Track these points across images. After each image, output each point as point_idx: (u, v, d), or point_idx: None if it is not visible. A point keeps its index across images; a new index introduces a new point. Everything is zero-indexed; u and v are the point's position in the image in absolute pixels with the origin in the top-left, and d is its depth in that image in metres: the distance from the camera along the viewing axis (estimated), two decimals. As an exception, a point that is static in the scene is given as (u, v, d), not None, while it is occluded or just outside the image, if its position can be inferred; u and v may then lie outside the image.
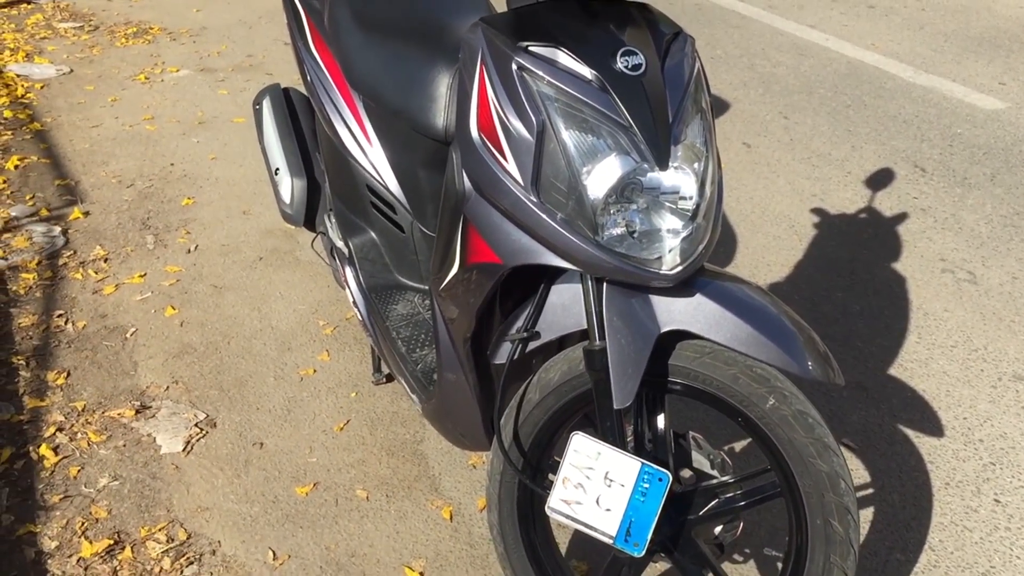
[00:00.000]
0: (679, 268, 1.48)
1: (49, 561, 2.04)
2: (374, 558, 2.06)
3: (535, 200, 1.48)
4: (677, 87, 1.49)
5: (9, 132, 4.12)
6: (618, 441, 1.59)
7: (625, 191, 1.46)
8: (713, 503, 1.64)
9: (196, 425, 2.43)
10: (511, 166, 1.49)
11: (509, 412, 1.74)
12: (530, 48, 1.47)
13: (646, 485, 1.55)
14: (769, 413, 1.52)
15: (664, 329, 1.53)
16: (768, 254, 3.25)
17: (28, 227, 3.31)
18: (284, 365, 2.67)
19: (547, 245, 1.51)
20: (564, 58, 1.46)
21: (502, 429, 1.72)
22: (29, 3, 5.94)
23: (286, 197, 2.50)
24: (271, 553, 2.07)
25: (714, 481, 1.65)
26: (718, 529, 1.67)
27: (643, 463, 1.54)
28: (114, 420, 2.44)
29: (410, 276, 2.24)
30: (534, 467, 1.75)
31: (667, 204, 1.48)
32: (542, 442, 1.74)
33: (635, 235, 1.48)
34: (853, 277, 3.11)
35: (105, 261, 3.15)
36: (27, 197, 3.55)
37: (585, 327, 1.59)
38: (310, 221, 2.53)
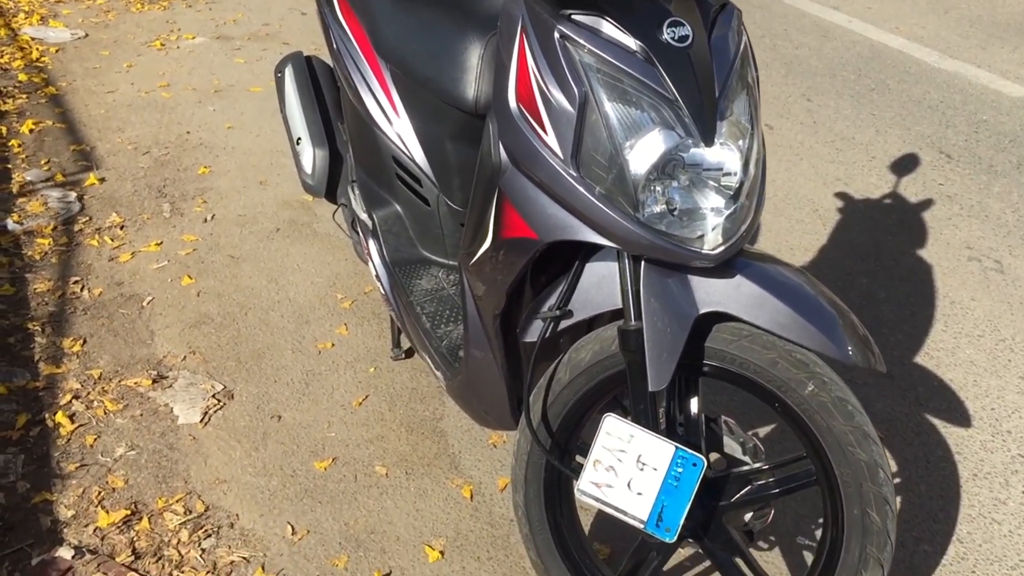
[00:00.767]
0: (721, 248, 1.44)
1: (65, 530, 2.02)
2: (393, 535, 2.03)
3: (574, 174, 1.44)
4: (724, 61, 1.45)
5: (24, 96, 4.07)
6: (651, 424, 1.55)
7: (667, 167, 1.42)
8: (746, 490, 1.61)
9: (214, 396, 2.40)
10: (550, 138, 1.45)
11: (537, 392, 1.70)
12: (573, 16, 1.42)
13: (679, 470, 1.51)
14: (808, 399, 1.48)
15: (703, 311, 1.50)
16: (792, 237, 3.21)
17: (44, 192, 3.27)
18: (302, 338, 2.63)
19: (585, 221, 1.46)
20: (608, 27, 1.41)
21: (531, 408, 1.69)
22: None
23: (307, 167, 2.45)
24: (290, 527, 2.04)
25: (748, 467, 1.61)
26: (748, 516, 1.64)
27: (677, 447, 1.51)
28: (131, 389, 2.41)
29: (435, 251, 2.20)
30: (562, 448, 1.72)
31: (710, 181, 1.44)
32: (571, 423, 1.71)
33: (675, 212, 1.43)
34: (878, 263, 3.07)
35: (121, 228, 3.12)
36: (42, 162, 3.51)
37: (619, 306, 1.56)
38: (331, 192, 2.48)
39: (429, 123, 2.08)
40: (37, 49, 4.58)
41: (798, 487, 1.59)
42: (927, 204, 3.45)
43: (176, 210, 3.24)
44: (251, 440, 2.27)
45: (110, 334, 2.62)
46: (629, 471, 1.53)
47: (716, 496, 1.62)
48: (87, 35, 4.81)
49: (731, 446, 1.67)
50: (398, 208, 2.23)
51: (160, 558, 1.96)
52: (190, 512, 2.07)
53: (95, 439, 2.26)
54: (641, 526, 1.52)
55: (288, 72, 2.59)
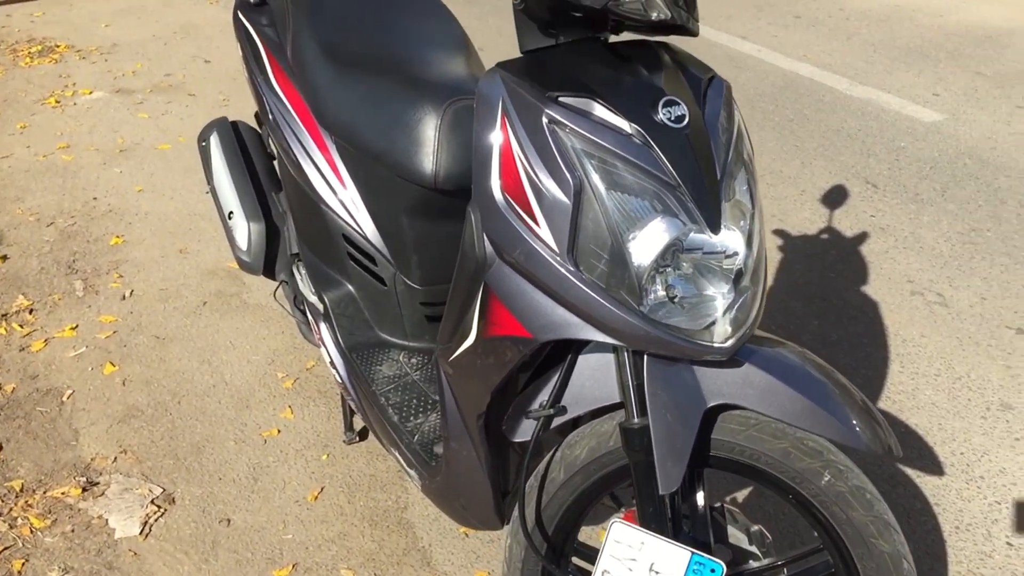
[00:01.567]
0: (731, 340, 1.34)
1: (-4, 677, 1.79)
2: (369, 648, 1.88)
3: (572, 269, 1.32)
4: (722, 140, 1.36)
5: (-93, 166, 3.77)
6: (662, 528, 1.44)
7: (666, 253, 1.32)
8: (762, 587, 1.51)
9: (152, 502, 2.19)
10: (543, 231, 1.33)
11: (529, 492, 1.58)
12: (560, 99, 1.32)
13: (697, 576, 1.41)
14: (825, 490, 1.40)
15: (711, 404, 1.40)
16: (738, 281, 3.16)
17: (-62, 276, 3.01)
18: (244, 426, 2.44)
19: (585, 318, 1.35)
20: (600, 110, 1.30)
21: (524, 512, 1.56)
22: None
23: (242, 244, 2.28)
24: (253, 650, 1.86)
25: (764, 563, 1.52)
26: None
27: (693, 553, 1.40)
28: (58, 500, 2.19)
29: (394, 332, 2.05)
30: (559, 553, 1.59)
31: (712, 265, 1.34)
32: (567, 525, 1.59)
33: (676, 300, 1.33)
34: (826, 303, 3.05)
35: (30, 312, 2.87)
36: (-66, 240, 3.23)
37: (618, 401, 1.45)
38: (269, 269, 2.31)
39: (382, 198, 1.94)
40: (-82, 112, 4.26)
41: (816, 581, 1.50)
42: (863, 238, 3.46)
43: (90, 287, 3.00)
44: (199, 551, 2.07)
45: (29, 437, 2.38)
46: (642, 581, 1.42)
47: (732, 597, 1.52)
48: (-28, 94, 4.51)
49: (736, 535, 1.58)
50: (351, 288, 2.07)
51: None
52: (139, 642, 1.87)
53: (23, 563, 2.02)
54: (659, 640, 1.41)
55: (214, 141, 2.41)
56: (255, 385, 2.59)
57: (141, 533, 2.11)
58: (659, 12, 1.32)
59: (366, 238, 1.98)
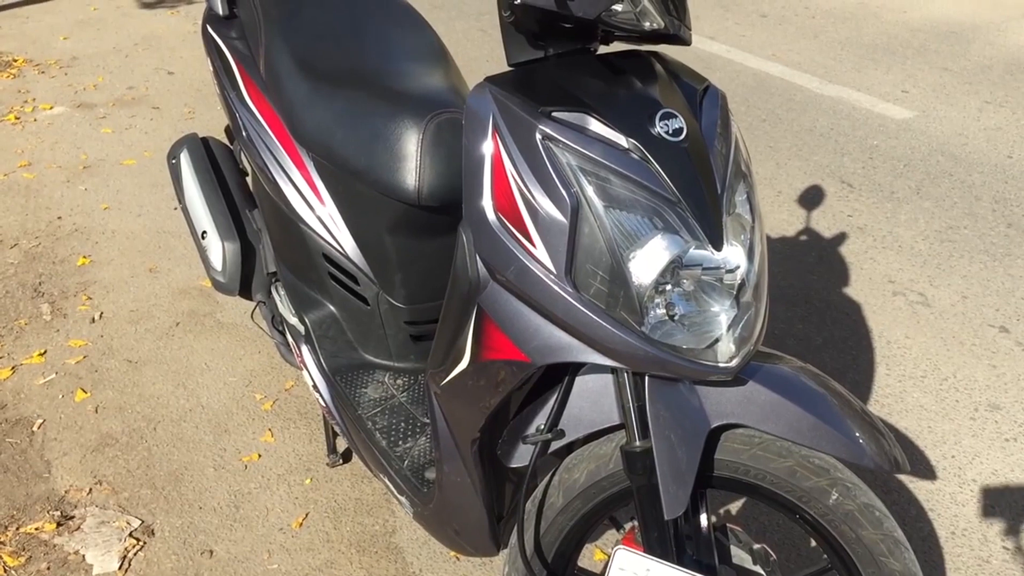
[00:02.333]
0: (736, 360, 1.30)
1: None
2: None
3: (571, 290, 1.27)
4: (720, 151, 1.32)
5: None
6: (667, 553, 1.40)
7: (666, 271, 1.27)
8: (770, 609, 1.47)
9: (131, 535, 2.11)
10: (540, 251, 1.28)
11: (527, 519, 1.53)
12: (554, 114, 1.27)
13: (705, 602, 1.37)
14: (833, 509, 1.36)
15: (715, 424, 1.36)
16: (719, 285, 3.13)
17: (-103, 303, 2.90)
18: (223, 452, 2.37)
19: (584, 340, 1.30)
20: (596, 124, 1.26)
21: (523, 539, 1.51)
22: None
23: (217, 264, 2.21)
24: None
25: (771, 585, 1.48)
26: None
27: (701, 578, 1.36)
28: (32, 537, 2.10)
29: (378, 353, 1.99)
30: (559, 579, 1.54)
31: (712, 281, 1.30)
32: (566, 551, 1.54)
33: (676, 318, 1.29)
34: (809, 306, 3.03)
35: (-5, 339, 2.77)
36: None
37: (618, 422, 1.40)
38: (246, 289, 2.24)
39: (363, 216, 1.88)
40: None
41: (825, 600, 1.47)
42: (841, 238, 3.44)
43: (57, 311, 2.91)
44: (182, 584, 2.01)
45: (-2, 470, 2.30)
46: (648, 609, 1.38)
47: (739, 621, 1.48)
48: (-72, 112, 4.37)
49: (740, 556, 1.54)
50: (332, 309, 2.01)
51: None
52: None
53: (-4, 606, 1.95)
54: (668, 669, 1.36)
55: (184, 158, 2.34)
56: (233, 408, 2.52)
57: (120, 568, 2.03)
58: (652, 21, 1.28)
59: (347, 257, 1.92)
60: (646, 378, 1.35)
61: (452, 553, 2.09)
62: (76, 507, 2.19)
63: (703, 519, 1.47)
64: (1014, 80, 4.84)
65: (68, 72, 4.88)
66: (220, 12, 2.22)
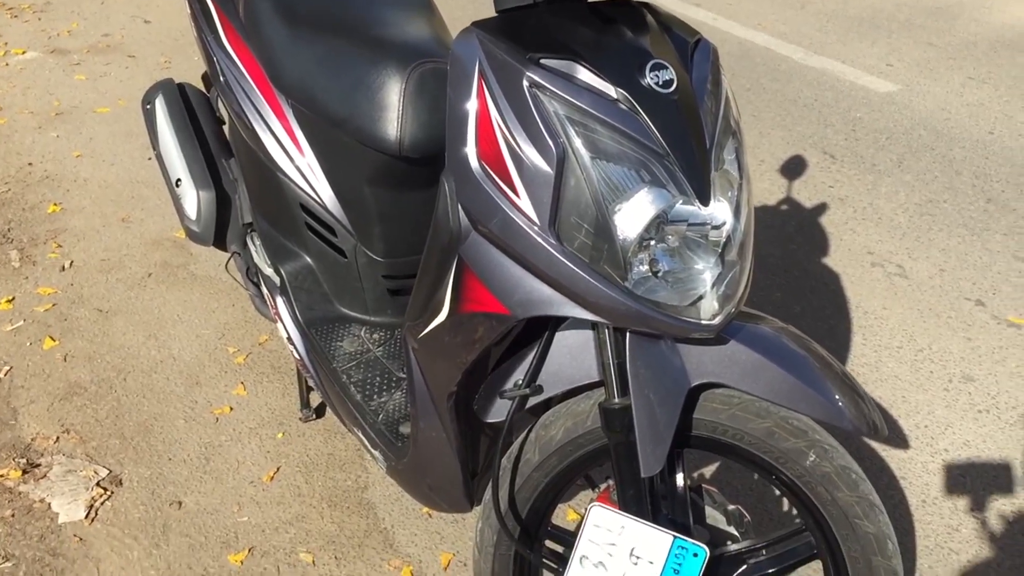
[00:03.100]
0: (719, 317, 1.28)
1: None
2: (331, 635, 1.80)
3: (554, 242, 1.25)
4: (709, 106, 1.29)
5: None
6: (643, 511, 1.39)
7: (651, 225, 1.25)
8: (742, 569, 1.47)
9: (98, 484, 2.08)
10: (524, 202, 1.26)
11: (503, 474, 1.51)
12: (542, 61, 1.23)
13: (679, 561, 1.36)
14: (809, 470, 1.36)
15: (695, 383, 1.35)
16: (699, 252, 3.12)
17: None
18: (194, 404, 2.34)
19: (566, 293, 1.28)
20: (584, 73, 1.23)
21: (498, 495, 1.49)
22: None
23: (191, 213, 2.16)
24: (209, 639, 1.78)
25: (744, 545, 1.47)
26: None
27: (676, 537, 1.35)
28: (-4, 484, 2.07)
29: (354, 307, 1.96)
30: (532, 536, 1.53)
31: (698, 237, 1.28)
32: (541, 508, 1.53)
33: (660, 275, 1.27)
34: (788, 275, 3.02)
35: (-38, 284, 2.72)
36: None
37: (597, 379, 1.39)
38: (220, 239, 2.20)
39: (342, 166, 1.84)
40: None
41: (797, 563, 1.47)
42: (822, 209, 3.44)
43: (26, 258, 2.85)
44: (149, 535, 1.98)
45: (-37, 416, 2.25)
46: (622, 566, 1.37)
47: (713, 579, 1.47)
48: None
49: (714, 516, 1.53)
50: (309, 261, 1.98)
51: None
52: (87, 633, 1.78)
53: (-41, 552, 1.91)
54: (640, 626, 1.36)
55: (159, 103, 2.28)
56: (205, 361, 2.48)
57: (86, 517, 2.00)
58: (645, -31, 1.25)
59: (325, 208, 1.88)
60: (627, 334, 1.33)
61: (424, 509, 2.07)
62: (42, 455, 2.16)
63: (679, 479, 1.47)
64: (998, 57, 4.84)
65: (42, 17, 4.76)
66: (199, -47, 2.16)
